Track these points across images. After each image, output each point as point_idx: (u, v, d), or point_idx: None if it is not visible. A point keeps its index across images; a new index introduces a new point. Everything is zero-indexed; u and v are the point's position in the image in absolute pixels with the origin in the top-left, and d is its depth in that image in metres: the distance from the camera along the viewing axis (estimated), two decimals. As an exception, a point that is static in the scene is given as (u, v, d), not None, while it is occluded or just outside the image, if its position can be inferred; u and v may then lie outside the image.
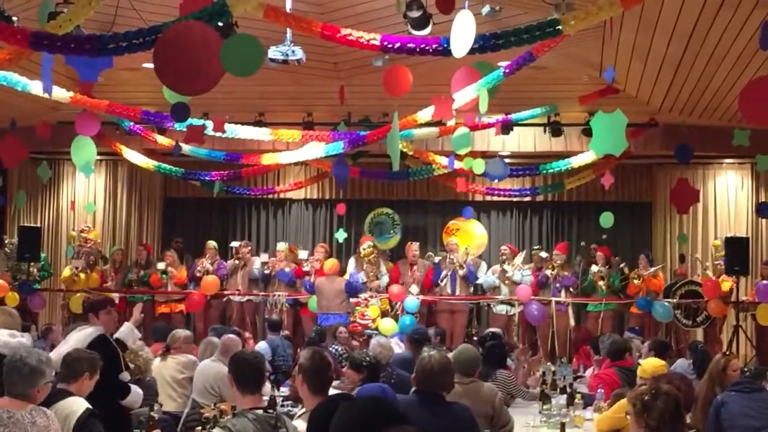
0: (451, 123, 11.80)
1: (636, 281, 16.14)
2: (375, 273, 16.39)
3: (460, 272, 16.35)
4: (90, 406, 6.24)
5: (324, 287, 15.62)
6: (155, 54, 5.73)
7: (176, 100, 7.97)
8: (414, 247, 16.89)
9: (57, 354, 7.54)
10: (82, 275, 16.63)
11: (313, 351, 5.67)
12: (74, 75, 9.74)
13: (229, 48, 6.65)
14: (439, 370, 6.08)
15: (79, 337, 7.95)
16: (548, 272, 16.37)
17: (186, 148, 13.91)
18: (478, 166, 13.05)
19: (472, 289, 16.90)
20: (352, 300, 15.72)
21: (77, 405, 6.21)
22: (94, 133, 10.85)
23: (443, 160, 14.28)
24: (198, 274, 16.81)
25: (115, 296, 15.41)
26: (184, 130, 11.88)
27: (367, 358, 7.89)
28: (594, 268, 16.33)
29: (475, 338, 14.83)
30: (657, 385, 5.00)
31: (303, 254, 16.92)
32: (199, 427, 7.17)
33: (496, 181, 15.70)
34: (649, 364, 8.17)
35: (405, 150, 14.41)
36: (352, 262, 16.83)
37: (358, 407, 3.11)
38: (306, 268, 16.55)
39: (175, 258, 17.15)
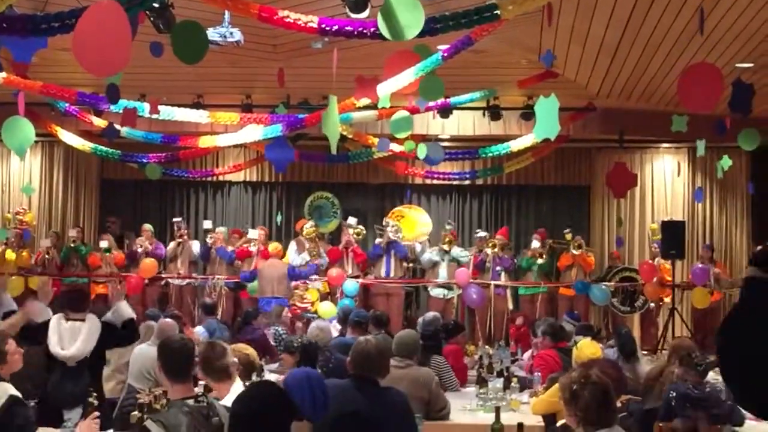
0: (385, 105, 11.78)
1: (575, 251, 16.34)
2: (318, 251, 16.37)
3: (392, 236, 16.39)
4: (14, 393, 6.12)
5: (266, 271, 15.54)
6: (73, 35, 5.66)
7: (109, 78, 7.89)
8: (348, 231, 16.90)
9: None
10: (12, 254, 16.47)
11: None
12: (7, 55, 9.58)
13: (178, 35, 6.62)
14: (375, 354, 6.05)
15: None
16: (488, 251, 16.46)
17: (122, 130, 13.75)
18: (421, 150, 13.07)
19: (409, 269, 16.96)
20: (291, 283, 15.68)
21: (0, 391, 6.10)
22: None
23: (382, 143, 14.29)
24: (139, 250, 16.75)
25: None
26: (120, 112, 11.75)
27: (299, 340, 7.89)
28: (535, 244, 16.51)
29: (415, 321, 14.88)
30: (586, 374, 5.03)
31: (253, 233, 16.86)
32: (135, 412, 7.10)
33: (432, 165, 15.73)
34: (586, 349, 8.22)
35: (344, 133, 14.39)
36: (293, 245, 16.77)
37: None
38: (252, 248, 16.50)
39: (113, 240, 17.00)
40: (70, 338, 8.07)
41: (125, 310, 8.49)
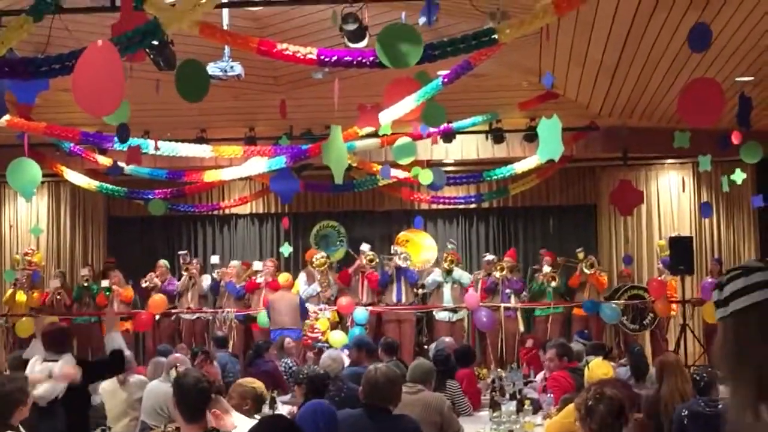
0: (387, 132, 11.84)
1: (587, 270, 16.31)
2: (327, 283, 16.39)
3: (401, 263, 16.38)
4: None
5: (277, 303, 15.52)
6: (72, 76, 5.73)
7: (112, 119, 7.94)
8: (362, 258, 16.87)
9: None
10: (23, 296, 16.53)
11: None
12: (12, 98, 9.65)
13: (181, 75, 6.69)
14: (383, 382, 6.07)
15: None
16: (497, 274, 16.45)
17: (127, 167, 13.82)
18: (426, 177, 13.10)
19: (419, 294, 16.94)
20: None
21: None
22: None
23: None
24: (144, 285, 16.76)
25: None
26: (124, 150, 11.82)
27: (305, 372, 7.91)
28: (546, 268, 16.47)
29: (426, 347, 14.86)
30: (601, 390, 5.02)
31: (257, 265, 16.90)
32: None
33: (435, 191, 15.79)
34: (597, 370, 8.21)
35: (349, 161, 14.42)
36: (302, 276, 16.79)
37: None
38: (259, 280, 16.52)
39: (121, 277, 17.02)
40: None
41: (116, 340, 8.34)
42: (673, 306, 16.34)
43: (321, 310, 15.96)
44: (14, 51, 7.86)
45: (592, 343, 11.45)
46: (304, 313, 15.59)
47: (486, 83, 14.01)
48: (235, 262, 17.41)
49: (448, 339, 12.97)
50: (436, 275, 16.63)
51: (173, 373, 8.67)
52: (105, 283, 16.86)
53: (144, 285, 16.80)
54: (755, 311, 1.98)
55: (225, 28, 9.30)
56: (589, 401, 4.97)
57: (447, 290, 16.52)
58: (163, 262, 17.30)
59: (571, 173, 18.49)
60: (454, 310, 16.42)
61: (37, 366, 7.96)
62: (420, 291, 16.98)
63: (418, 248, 17.57)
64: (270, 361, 11.93)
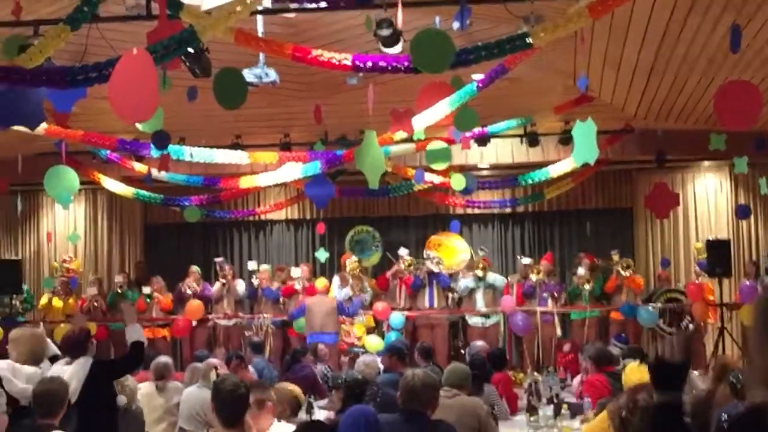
0: (420, 137, 11.83)
1: (623, 273, 16.19)
2: (360, 287, 16.38)
3: (434, 268, 16.34)
4: None
5: (314, 307, 15.52)
6: (108, 84, 5.78)
7: (146, 127, 8.00)
8: (401, 262, 16.82)
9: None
10: (59, 302, 16.64)
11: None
12: (48, 106, 9.72)
13: (218, 83, 6.74)
14: (420, 387, 6.06)
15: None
16: (533, 277, 16.38)
17: (162, 174, 13.88)
18: (459, 182, 13.07)
19: (453, 298, 16.88)
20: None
21: None
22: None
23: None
24: (189, 292, 16.79)
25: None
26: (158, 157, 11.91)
27: (343, 377, 7.92)
28: (580, 271, 16.38)
29: (462, 351, 14.82)
30: (633, 399, 4.99)
31: (296, 272, 16.91)
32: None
33: (466, 195, 15.79)
34: (632, 375, 8.16)
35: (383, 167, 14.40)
36: (336, 280, 16.79)
37: None
38: (297, 287, 16.54)
39: (163, 285, 17.07)
40: None
41: (134, 332, 8.27)
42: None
43: (357, 314, 15.95)
44: (52, 60, 7.94)
45: (629, 347, 11.38)
46: (343, 314, 15.58)
47: (521, 87, 13.96)
48: (266, 266, 17.43)
49: (480, 343, 12.96)
50: (468, 281, 16.56)
51: (213, 376, 8.72)
52: (147, 290, 16.94)
53: (188, 291, 16.80)
54: None
55: (260, 34, 9.33)
56: (622, 411, 4.93)
57: (480, 296, 16.46)
58: (195, 268, 17.32)
59: (607, 176, 18.42)
60: (486, 315, 16.35)
61: (57, 366, 7.99)
62: (454, 295, 16.90)
63: (451, 251, 17.48)
64: (307, 366, 11.96)
